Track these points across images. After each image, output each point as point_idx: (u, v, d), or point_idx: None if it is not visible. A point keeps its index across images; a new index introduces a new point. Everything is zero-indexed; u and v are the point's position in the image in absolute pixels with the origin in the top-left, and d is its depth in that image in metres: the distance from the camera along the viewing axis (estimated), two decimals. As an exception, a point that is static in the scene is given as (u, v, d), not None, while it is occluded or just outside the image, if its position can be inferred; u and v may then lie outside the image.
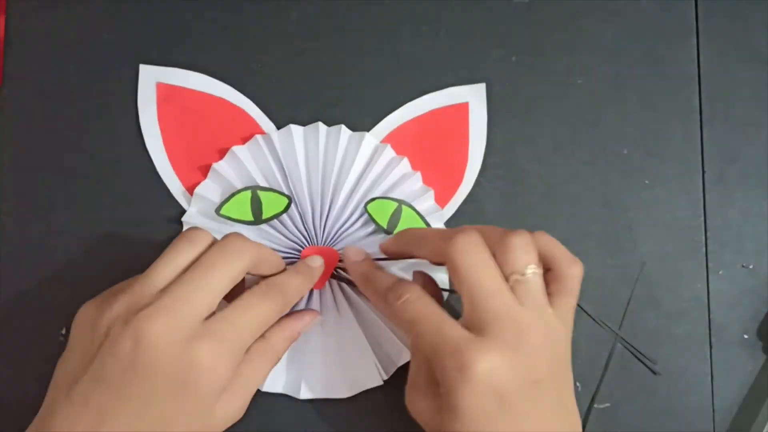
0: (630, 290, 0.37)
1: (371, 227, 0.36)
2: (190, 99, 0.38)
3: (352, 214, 0.36)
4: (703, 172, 0.38)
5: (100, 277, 0.37)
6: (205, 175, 0.37)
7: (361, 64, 0.39)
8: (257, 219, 0.36)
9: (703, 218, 0.38)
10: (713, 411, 0.37)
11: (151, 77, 0.38)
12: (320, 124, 0.37)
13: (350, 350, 0.36)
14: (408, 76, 0.38)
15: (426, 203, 0.37)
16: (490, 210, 0.38)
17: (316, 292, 0.36)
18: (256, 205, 0.36)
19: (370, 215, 0.36)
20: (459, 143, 0.38)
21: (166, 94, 0.38)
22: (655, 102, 0.39)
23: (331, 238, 0.36)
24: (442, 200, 0.37)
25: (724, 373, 0.37)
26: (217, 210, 0.35)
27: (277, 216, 0.36)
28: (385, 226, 0.36)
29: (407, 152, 0.37)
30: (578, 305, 0.37)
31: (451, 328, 0.28)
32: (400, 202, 0.36)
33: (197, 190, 0.36)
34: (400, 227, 0.36)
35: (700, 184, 0.38)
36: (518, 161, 0.38)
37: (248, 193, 0.36)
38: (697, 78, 0.39)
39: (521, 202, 0.38)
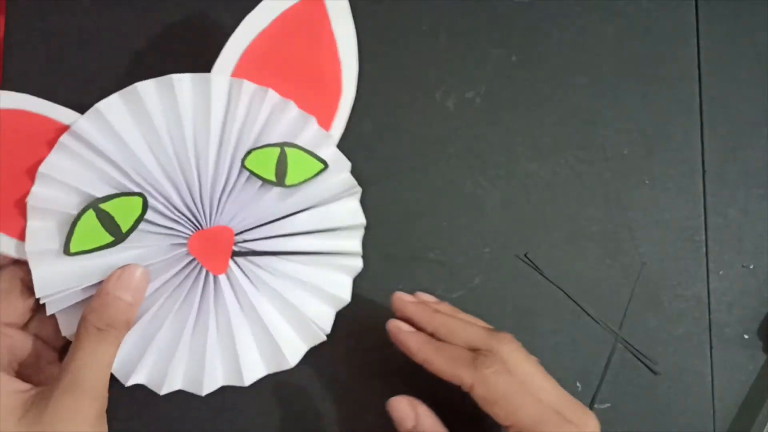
0: (630, 290, 0.37)
1: (257, 183, 0.31)
2: None
3: (229, 176, 0.30)
4: (703, 172, 0.38)
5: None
6: (23, 215, 0.29)
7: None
8: (118, 236, 0.29)
9: (703, 218, 0.38)
10: (713, 411, 0.37)
11: None
12: (140, 84, 0.30)
13: (252, 336, 0.32)
14: (410, 76, 0.39)
15: (309, 132, 0.31)
16: (490, 210, 0.38)
17: (218, 278, 0.31)
18: (108, 220, 0.29)
19: (251, 171, 0.30)
20: (325, 47, 0.31)
21: None
22: (655, 102, 0.39)
23: (216, 212, 0.31)
24: (325, 122, 0.32)
25: (724, 373, 0.37)
26: (66, 250, 0.29)
27: (139, 220, 0.30)
28: (273, 179, 0.30)
29: (267, 81, 0.31)
30: (578, 305, 0.37)
31: (547, 394, 0.30)
32: (282, 145, 0.31)
33: (27, 246, 0.29)
34: (290, 175, 0.31)
35: (700, 184, 0.38)
36: (518, 161, 0.38)
37: (91, 213, 0.29)
38: (697, 78, 0.39)
39: (521, 202, 0.38)
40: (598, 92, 0.39)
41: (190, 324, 0.31)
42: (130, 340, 0.31)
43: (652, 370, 0.37)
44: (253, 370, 0.32)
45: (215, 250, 0.31)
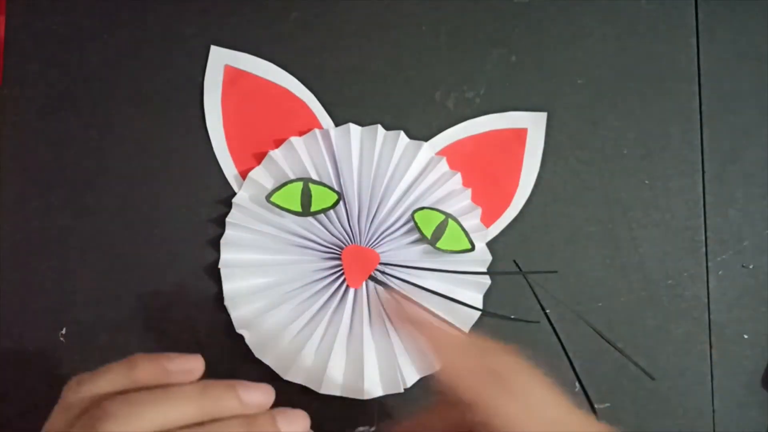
0: (630, 290, 0.37)
1: (414, 236, 0.37)
2: (256, 85, 0.38)
3: (397, 220, 0.37)
4: (703, 172, 0.38)
5: (100, 276, 0.37)
6: (258, 163, 0.37)
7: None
8: (305, 210, 0.36)
9: (703, 218, 0.38)
10: (713, 411, 0.37)
11: (220, 59, 0.38)
12: (379, 126, 0.37)
13: (375, 354, 0.36)
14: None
15: (472, 221, 0.37)
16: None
17: (351, 291, 0.36)
18: (306, 197, 0.36)
19: (416, 223, 0.36)
20: (512, 167, 0.38)
21: (234, 77, 0.38)
22: (655, 102, 0.39)
23: (374, 240, 0.37)
24: (487, 220, 0.37)
25: (724, 373, 0.37)
26: (268, 197, 0.36)
27: (324, 210, 0.36)
28: (429, 237, 0.36)
29: (460, 168, 0.38)
30: (577, 313, 0.37)
31: None
32: (448, 215, 0.36)
33: (251, 174, 0.37)
34: (443, 240, 0.36)
35: (700, 184, 0.38)
36: (518, 161, 0.38)
37: (300, 184, 0.36)
38: (697, 78, 0.39)
39: (521, 202, 0.38)
40: (598, 92, 0.39)
41: (344, 333, 0.36)
42: (287, 339, 0.36)
43: (649, 375, 0.37)
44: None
45: (361, 266, 0.36)
